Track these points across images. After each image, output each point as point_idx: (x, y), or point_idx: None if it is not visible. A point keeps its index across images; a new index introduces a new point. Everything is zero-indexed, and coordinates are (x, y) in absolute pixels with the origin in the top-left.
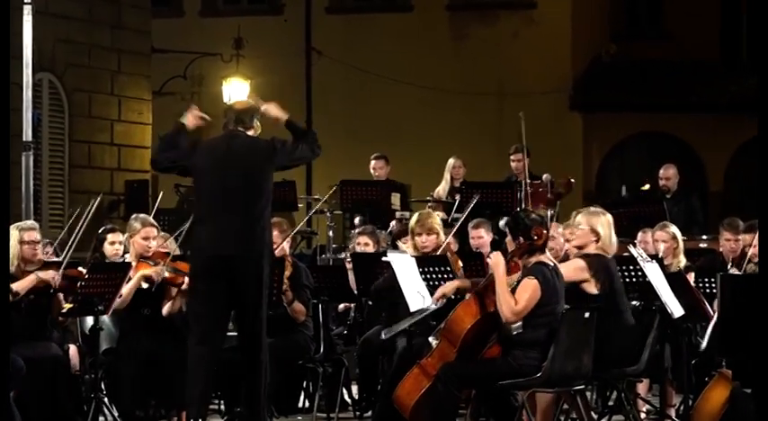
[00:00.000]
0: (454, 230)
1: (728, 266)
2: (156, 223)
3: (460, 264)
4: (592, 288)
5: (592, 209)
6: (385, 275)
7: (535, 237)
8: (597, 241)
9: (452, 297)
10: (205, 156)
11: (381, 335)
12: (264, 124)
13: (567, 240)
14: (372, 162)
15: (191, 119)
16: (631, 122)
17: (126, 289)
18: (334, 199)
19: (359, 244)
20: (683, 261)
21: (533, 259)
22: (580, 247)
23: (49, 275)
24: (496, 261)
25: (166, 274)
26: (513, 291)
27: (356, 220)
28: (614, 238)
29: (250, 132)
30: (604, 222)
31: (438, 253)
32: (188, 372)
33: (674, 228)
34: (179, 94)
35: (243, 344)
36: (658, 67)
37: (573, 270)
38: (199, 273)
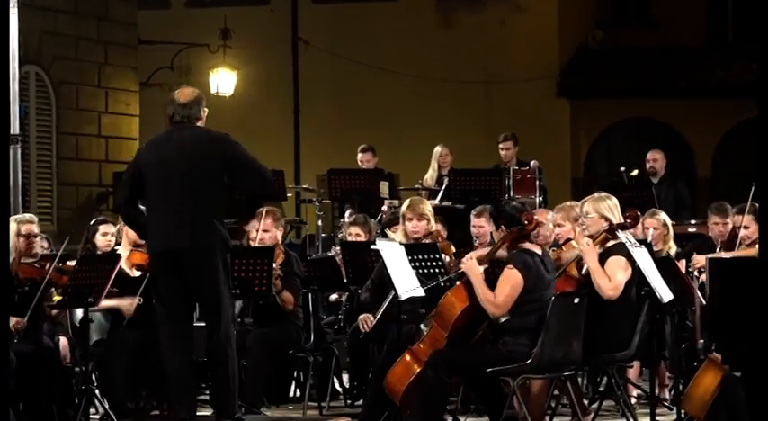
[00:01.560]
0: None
1: (717, 249)
2: None
3: (453, 248)
4: (628, 275)
5: (596, 195)
6: (371, 278)
7: (525, 222)
8: (609, 226)
9: (441, 284)
10: (152, 152)
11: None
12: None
13: (559, 225)
14: (359, 154)
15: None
16: (618, 109)
17: (102, 305)
18: (322, 188)
19: (350, 234)
20: (673, 247)
21: (518, 247)
22: (593, 236)
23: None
24: (469, 265)
25: None
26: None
27: (346, 214)
28: (621, 219)
29: (199, 123)
30: (611, 206)
31: (428, 239)
32: (167, 372)
33: (664, 216)
34: (166, 85)
35: (209, 336)
36: (645, 54)
37: (623, 269)
38: (154, 268)
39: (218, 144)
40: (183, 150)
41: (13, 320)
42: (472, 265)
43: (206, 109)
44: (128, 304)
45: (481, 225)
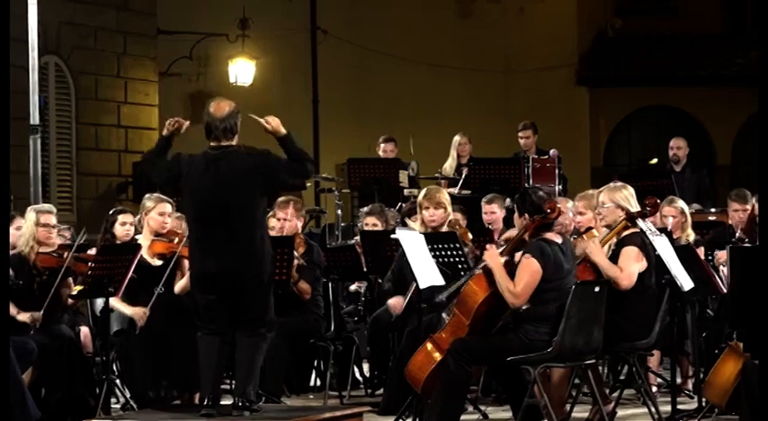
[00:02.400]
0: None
1: (736, 235)
2: (170, 200)
3: (470, 235)
4: (644, 265)
5: (612, 185)
6: (392, 268)
7: (548, 211)
8: (627, 215)
9: (462, 273)
10: (193, 180)
11: (437, 298)
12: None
13: (580, 213)
14: (382, 145)
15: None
16: (638, 97)
17: (119, 306)
18: (341, 177)
19: (367, 225)
20: (691, 235)
21: (537, 236)
22: (610, 226)
23: (25, 317)
24: (491, 254)
25: (181, 248)
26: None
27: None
28: (638, 207)
29: (235, 140)
30: (627, 195)
31: (445, 227)
32: (200, 362)
33: (681, 203)
34: (185, 75)
35: (241, 331)
36: (664, 41)
37: (635, 259)
38: (198, 285)
39: (257, 175)
40: (227, 186)
41: (26, 315)
42: (493, 255)
43: (239, 120)
44: (140, 314)
45: (492, 211)
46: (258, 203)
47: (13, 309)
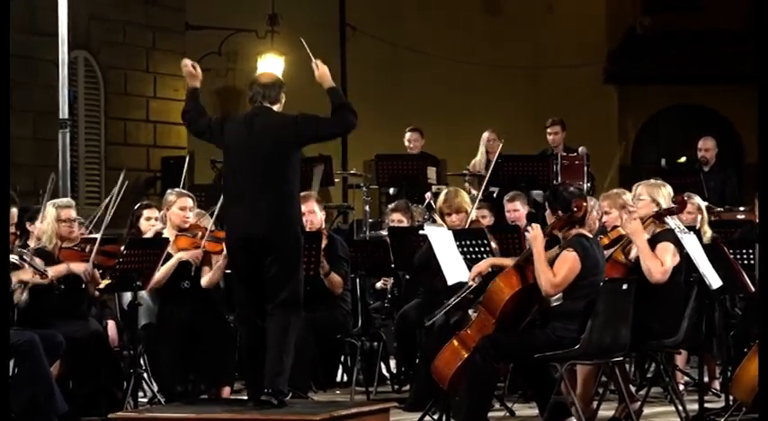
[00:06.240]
0: (476, 204)
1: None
2: (191, 194)
3: (494, 245)
4: (677, 260)
5: (652, 180)
6: (424, 248)
7: (575, 209)
8: (658, 211)
9: (491, 269)
10: (230, 135)
11: (424, 321)
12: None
13: (606, 212)
14: (408, 134)
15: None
16: (666, 95)
17: (163, 270)
18: (369, 173)
19: (392, 220)
20: (708, 232)
21: (573, 231)
22: (642, 219)
23: (80, 268)
24: (535, 234)
25: (205, 244)
26: (551, 263)
27: (390, 190)
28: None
29: (276, 107)
30: (665, 193)
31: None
32: (242, 354)
33: (697, 199)
34: (214, 71)
35: (270, 317)
36: (692, 39)
37: (672, 254)
38: (233, 252)
39: (292, 127)
40: (261, 137)
41: (81, 266)
42: (537, 235)
43: (284, 96)
44: (197, 254)
45: (516, 209)
46: (291, 158)
47: (62, 266)
